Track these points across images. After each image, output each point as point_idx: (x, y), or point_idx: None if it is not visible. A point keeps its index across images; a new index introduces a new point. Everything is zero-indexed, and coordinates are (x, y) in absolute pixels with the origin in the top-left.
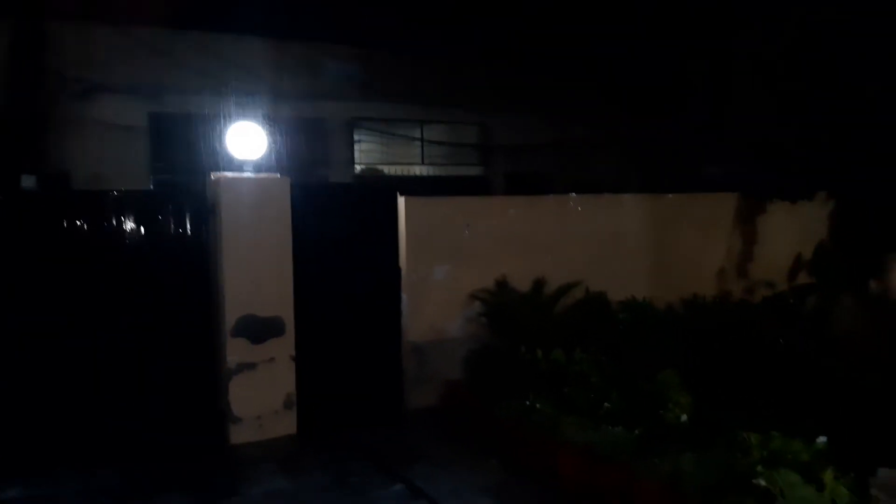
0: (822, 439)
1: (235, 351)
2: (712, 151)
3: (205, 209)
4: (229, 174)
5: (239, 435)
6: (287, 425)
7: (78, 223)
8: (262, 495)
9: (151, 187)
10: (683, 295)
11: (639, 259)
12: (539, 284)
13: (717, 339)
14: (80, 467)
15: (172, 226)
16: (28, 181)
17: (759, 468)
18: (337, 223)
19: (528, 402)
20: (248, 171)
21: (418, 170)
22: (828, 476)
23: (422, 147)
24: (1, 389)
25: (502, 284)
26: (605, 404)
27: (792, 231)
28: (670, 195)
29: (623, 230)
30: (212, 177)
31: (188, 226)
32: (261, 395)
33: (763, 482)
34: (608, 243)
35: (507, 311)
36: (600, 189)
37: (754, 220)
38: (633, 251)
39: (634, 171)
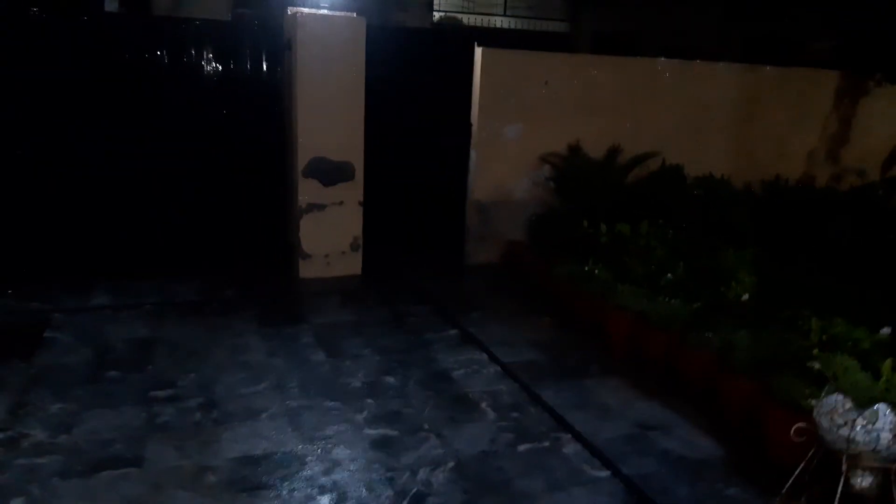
0: (885, 330)
1: (307, 191)
2: (820, 23)
3: (281, 44)
4: (306, 10)
5: (307, 270)
6: (352, 266)
7: (158, 50)
8: (326, 323)
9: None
10: (766, 176)
11: (723, 134)
12: (613, 152)
13: (795, 224)
14: (160, 280)
15: (249, 60)
16: (111, 4)
17: (816, 351)
18: (411, 70)
19: (587, 268)
20: (324, 8)
21: (499, 21)
22: (886, 366)
23: None
24: (95, 204)
25: (575, 149)
26: (667, 276)
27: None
28: (766, 67)
29: (711, 102)
30: (289, 12)
31: (264, 61)
32: (329, 234)
33: (818, 365)
34: (693, 115)
35: (576, 176)
36: (693, 55)
37: (855, 102)
38: (719, 125)
39: (733, 39)
